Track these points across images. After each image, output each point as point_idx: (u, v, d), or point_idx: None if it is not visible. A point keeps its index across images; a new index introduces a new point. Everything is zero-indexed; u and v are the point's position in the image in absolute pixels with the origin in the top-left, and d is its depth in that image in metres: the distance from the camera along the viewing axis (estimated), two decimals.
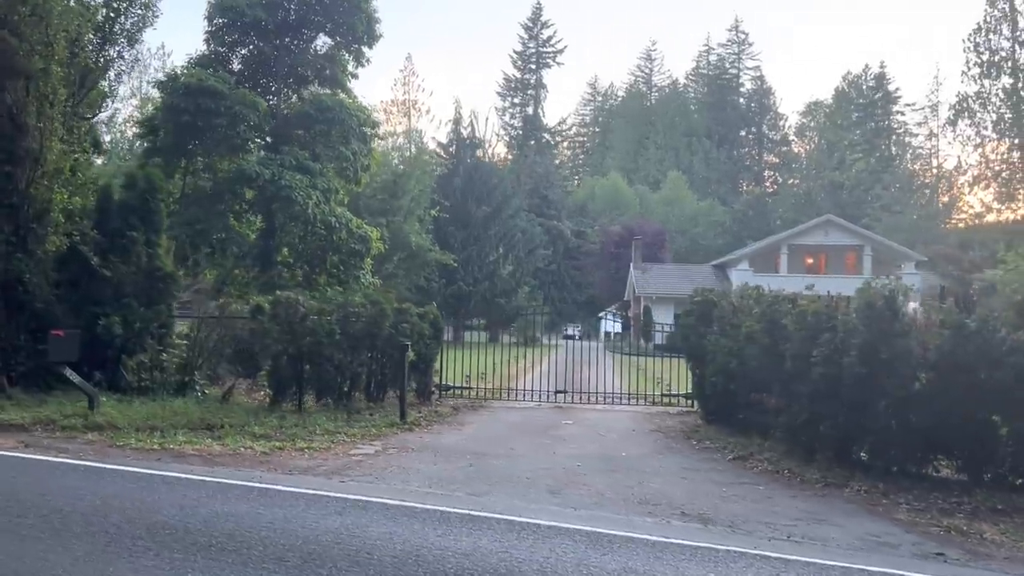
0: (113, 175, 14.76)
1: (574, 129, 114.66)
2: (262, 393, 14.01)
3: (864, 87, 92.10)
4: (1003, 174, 68.00)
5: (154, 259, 13.84)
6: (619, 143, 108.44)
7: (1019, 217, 66.02)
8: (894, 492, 8.37)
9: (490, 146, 51.28)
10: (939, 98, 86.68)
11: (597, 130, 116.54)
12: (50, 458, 8.81)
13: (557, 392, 16.37)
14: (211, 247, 23.33)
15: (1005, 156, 67.84)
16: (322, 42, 26.18)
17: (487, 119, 78.95)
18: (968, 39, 70.29)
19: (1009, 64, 67.01)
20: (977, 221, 69.63)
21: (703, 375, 13.32)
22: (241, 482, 7.76)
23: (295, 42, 25.44)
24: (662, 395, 16.17)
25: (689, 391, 15.83)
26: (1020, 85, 66.27)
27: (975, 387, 8.03)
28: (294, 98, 26.14)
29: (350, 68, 25.79)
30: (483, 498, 7.69)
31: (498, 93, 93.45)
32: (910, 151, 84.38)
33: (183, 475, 8.04)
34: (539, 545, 5.77)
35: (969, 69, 69.30)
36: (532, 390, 16.64)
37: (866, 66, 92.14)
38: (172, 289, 13.83)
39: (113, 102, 21.11)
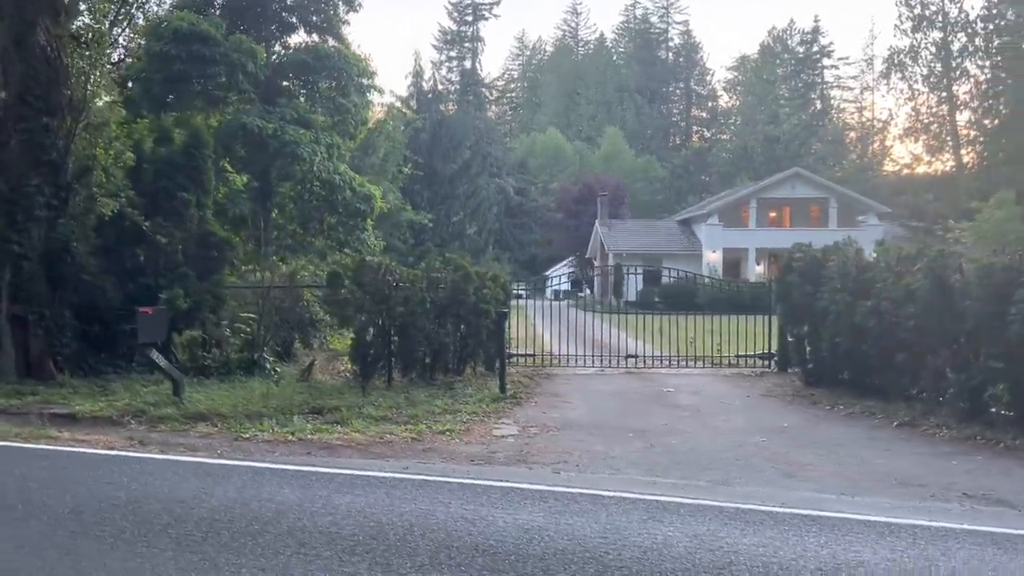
0: (144, 130, 12.94)
1: (502, 84, 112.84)
2: (341, 368, 12.78)
3: (789, 42, 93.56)
4: (932, 127, 70.60)
5: (205, 223, 12.34)
6: (549, 99, 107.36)
7: (947, 168, 68.87)
8: None
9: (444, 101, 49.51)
10: (874, 52, 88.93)
11: (526, 85, 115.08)
12: (187, 458, 7.54)
13: (628, 357, 15.62)
14: None
15: (934, 109, 70.36)
16: None
17: (438, 72, 76.34)
18: None
19: (939, 19, 69.23)
20: (908, 171, 72.36)
21: (810, 336, 12.76)
22: (438, 477, 6.72)
23: None
24: (736, 356, 15.60)
25: (765, 351, 15.39)
26: (949, 39, 68.61)
27: None
28: (277, 47, 24.17)
29: (341, 14, 23.94)
30: (724, 487, 6.87)
31: (434, 46, 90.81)
32: (844, 105, 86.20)
33: (363, 472, 6.96)
34: (902, 545, 4.99)
35: (901, 23, 71.57)
36: (583, 355, 15.95)
37: (791, 21, 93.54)
38: (228, 256, 12.37)
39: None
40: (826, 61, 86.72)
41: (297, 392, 10.73)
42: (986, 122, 64.85)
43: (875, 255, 11.85)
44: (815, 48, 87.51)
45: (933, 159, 71.09)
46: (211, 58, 19.31)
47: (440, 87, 41.94)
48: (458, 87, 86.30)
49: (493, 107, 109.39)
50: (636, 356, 15.67)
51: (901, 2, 70.88)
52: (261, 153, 20.65)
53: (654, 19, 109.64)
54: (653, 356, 15.94)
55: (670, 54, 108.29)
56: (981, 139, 64.77)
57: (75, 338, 11.27)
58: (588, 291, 43.85)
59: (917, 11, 69.99)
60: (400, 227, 35.65)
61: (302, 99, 22.86)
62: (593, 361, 15.79)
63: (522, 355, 15.68)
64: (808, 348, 13.10)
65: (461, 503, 5.77)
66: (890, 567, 4.55)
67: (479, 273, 13.20)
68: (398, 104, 43.82)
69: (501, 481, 6.62)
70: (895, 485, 7.02)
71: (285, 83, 23.52)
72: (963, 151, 66.95)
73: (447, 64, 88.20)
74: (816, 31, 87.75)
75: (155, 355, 9.71)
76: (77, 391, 10.67)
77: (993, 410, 9.67)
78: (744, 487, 6.86)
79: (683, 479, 7.11)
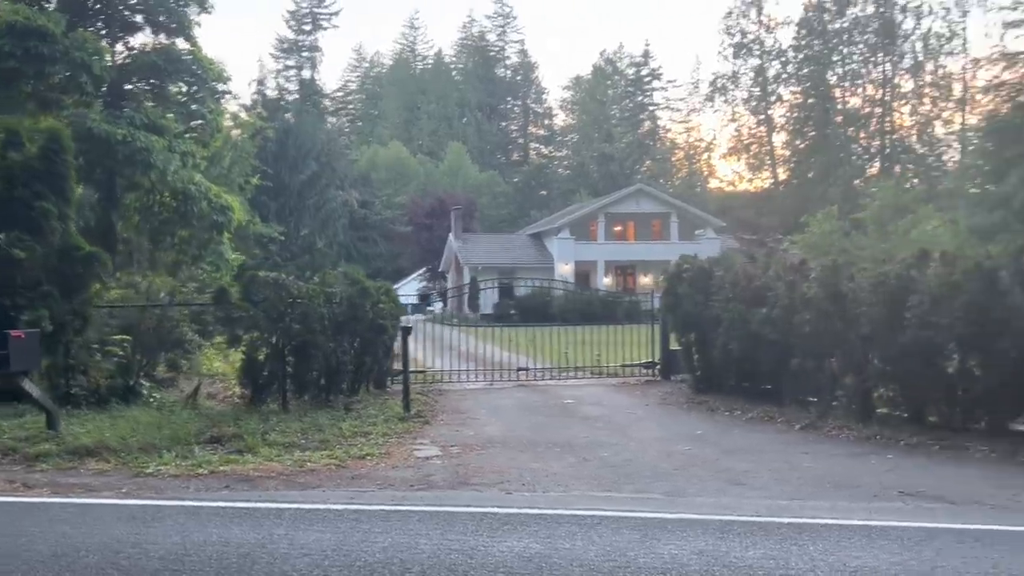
0: None
1: (340, 95, 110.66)
2: (227, 392, 11.82)
3: (620, 65, 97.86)
4: (752, 147, 75.96)
5: (68, 236, 11.07)
6: (390, 112, 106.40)
7: (767, 185, 74.24)
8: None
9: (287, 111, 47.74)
10: (699, 76, 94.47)
11: (365, 97, 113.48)
12: (91, 500, 6.65)
13: (519, 370, 15.50)
14: None
15: (754, 131, 75.74)
16: None
17: (278, 81, 73.38)
18: (722, 22, 77.56)
19: (757, 47, 74.67)
20: (731, 188, 77.41)
21: (699, 344, 13.15)
22: (395, 506, 6.28)
23: None
24: (622, 365, 15.86)
25: (648, 360, 15.73)
26: (766, 66, 74.14)
27: None
28: (120, 47, 22.34)
29: (192, 14, 22.43)
30: (683, 499, 6.86)
31: (272, 55, 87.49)
32: (672, 125, 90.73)
33: (309, 505, 6.35)
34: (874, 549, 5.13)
35: (723, 50, 76.57)
36: (470, 370, 15.72)
37: (621, 44, 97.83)
38: (95, 272, 11.14)
39: None
40: (656, 84, 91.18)
41: (187, 420, 9.79)
42: (798, 142, 70.59)
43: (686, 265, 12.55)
44: (645, 71, 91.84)
45: (754, 176, 76.66)
46: (50, 56, 17.52)
47: (276, 96, 40.33)
48: (297, 97, 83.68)
49: (331, 119, 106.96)
50: (527, 369, 15.60)
51: (723, 30, 76.10)
52: (107, 161, 18.94)
53: (491, 36, 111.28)
54: (542, 368, 15.91)
55: (508, 72, 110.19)
56: (794, 159, 70.38)
57: None
58: (441, 305, 43.62)
59: (737, 39, 75.25)
60: (248, 240, 33.89)
61: (150, 103, 21.22)
62: (480, 375, 15.57)
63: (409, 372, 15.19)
64: (696, 356, 13.50)
65: (440, 533, 5.38)
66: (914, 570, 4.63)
67: (376, 287, 12.66)
68: (243, 113, 41.82)
69: (463, 507, 6.26)
70: (834, 487, 7.27)
71: (130, 86, 21.78)
72: (779, 169, 72.51)
73: (284, 74, 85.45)
74: (646, 55, 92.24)
75: (27, 384, 8.53)
76: None
77: (884, 411, 10.33)
78: (702, 498, 6.87)
79: (638, 492, 7.03)
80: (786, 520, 5.79)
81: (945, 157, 63.08)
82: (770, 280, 11.68)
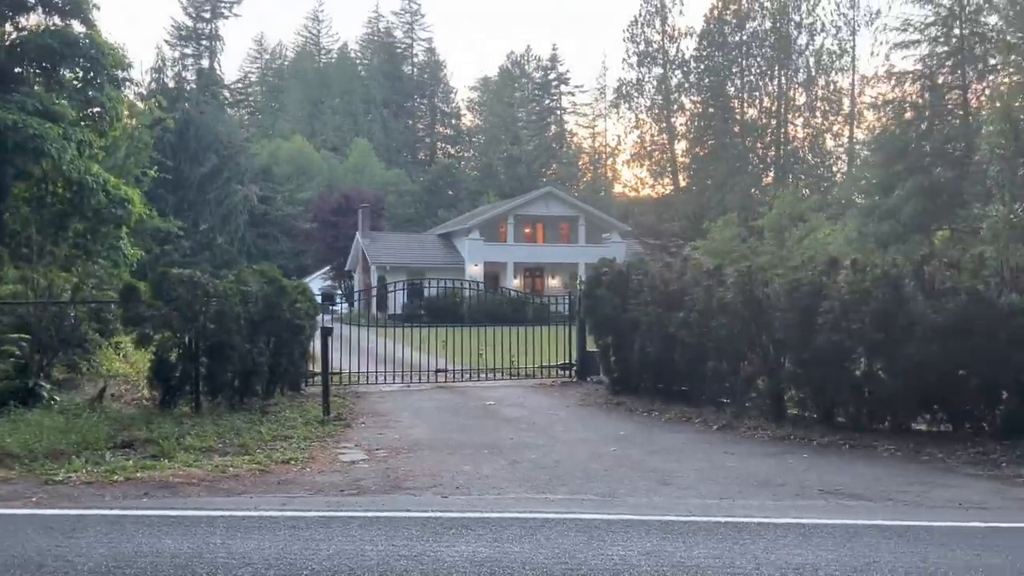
0: None
1: (240, 87, 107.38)
2: (135, 394, 11.25)
3: (527, 68, 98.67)
4: (655, 153, 77.88)
5: None
6: (292, 105, 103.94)
7: (668, 191, 76.25)
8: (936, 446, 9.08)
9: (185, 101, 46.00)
10: (606, 82, 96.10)
11: (266, 90, 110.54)
12: (9, 511, 6.21)
13: (437, 372, 15.37)
14: None
15: (656, 138, 77.67)
16: None
17: (176, 70, 70.30)
18: (627, 30, 79.24)
19: (660, 56, 76.57)
20: (635, 193, 79.21)
21: (617, 346, 13.35)
22: (330, 512, 6.15)
23: None
24: (540, 367, 15.94)
25: (565, 362, 15.88)
26: (668, 75, 76.12)
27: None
28: (8, 27, 20.95)
29: None
30: (617, 499, 6.95)
31: (168, 42, 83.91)
32: (578, 129, 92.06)
33: (238, 512, 6.17)
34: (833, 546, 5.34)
35: (629, 57, 78.24)
36: (386, 371, 15.49)
37: (528, 48, 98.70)
38: None
39: None
40: (563, 88, 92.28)
41: (95, 424, 9.28)
42: (698, 150, 72.80)
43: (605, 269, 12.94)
44: (552, 75, 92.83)
45: (656, 183, 78.64)
46: None
47: (174, 85, 38.80)
48: (195, 87, 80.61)
49: (231, 110, 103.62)
50: (445, 371, 15.48)
51: (628, 38, 77.84)
52: None
53: (398, 33, 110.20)
54: (459, 370, 15.81)
55: (415, 69, 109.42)
56: (694, 166, 72.54)
57: None
58: (347, 304, 42.80)
59: (641, 48, 77.07)
60: (144, 235, 32.40)
61: (41, 88, 20.01)
62: (396, 377, 15.36)
63: (317, 373, 14.81)
64: (614, 358, 13.70)
65: (386, 539, 5.28)
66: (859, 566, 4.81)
67: (293, 286, 12.32)
68: (139, 102, 39.91)
69: (403, 511, 6.18)
70: (759, 486, 7.49)
71: (20, 70, 20.49)
72: (680, 176, 74.56)
73: (182, 62, 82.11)
74: (554, 59, 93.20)
75: None
76: None
77: (795, 412, 10.75)
78: (635, 498, 6.97)
79: (573, 494, 7.08)
80: (722, 519, 5.94)
81: (835, 168, 66.42)
82: (687, 284, 11.97)
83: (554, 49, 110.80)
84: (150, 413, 10.34)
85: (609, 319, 13.41)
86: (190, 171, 37.42)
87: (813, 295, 10.00)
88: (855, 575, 4.68)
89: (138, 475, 7.51)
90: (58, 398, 10.49)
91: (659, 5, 74.86)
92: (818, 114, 67.49)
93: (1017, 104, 21.64)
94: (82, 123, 19.87)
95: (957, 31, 36.14)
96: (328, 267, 53.74)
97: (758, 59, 69.50)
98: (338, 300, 39.98)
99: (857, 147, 60.95)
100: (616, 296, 13.27)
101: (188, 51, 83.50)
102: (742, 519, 5.98)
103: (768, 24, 68.40)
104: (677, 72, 74.75)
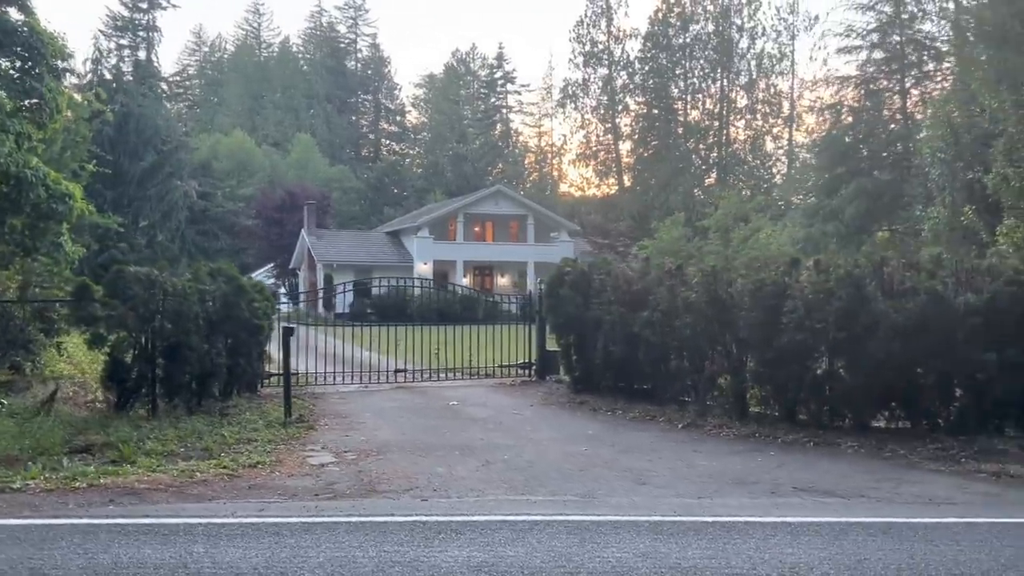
0: None
1: (178, 80, 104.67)
2: (90, 397, 10.83)
3: (473, 66, 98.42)
4: (600, 153, 78.51)
5: None
6: (232, 99, 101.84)
7: (612, 191, 76.95)
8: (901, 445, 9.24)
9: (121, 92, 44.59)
10: (552, 82, 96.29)
11: (204, 83, 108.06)
12: None
13: (396, 372, 15.18)
14: None
15: (602, 138, 78.28)
16: None
17: (114, 61, 67.86)
18: (573, 30, 79.66)
19: (606, 57, 77.18)
20: (580, 193, 79.76)
21: (579, 345, 13.37)
22: (312, 518, 5.97)
23: None
24: (499, 366, 15.86)
25: (524, 361, 15.83)
26: (614, 76, 76.78)
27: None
28: None
29: None
30: (598, 500, 6.94)
31: (103, 32, 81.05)
32: (524, 128, 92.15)
33: (217, 519, 5.94)
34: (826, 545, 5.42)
35: (575, 58, 78.65)
36: (343, 371, 15.21)
37: (473, 45, 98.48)
38: None
39: None
40: (509, 87, 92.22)
41: (49, 428, 8.91)
42: (642, 151, 73.60)
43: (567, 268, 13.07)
44: (499, 74, 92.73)
45: (601, 182, 79.26)
46: None
47: (112, 77, 37.58)
48: (132, 79, 78.15)
49: (168, 104, 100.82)
50: (404, 371, 15.31)
51: (574, 38, 78.21)
52: None
53: (341, 28, 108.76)
54: (418, 370, 15.65)
55: (359, 65, 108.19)
56: (639, 167, 73.31)
57: None
58: (292, 303, 42.06)
59: (587, 48, 77.53)
60: (83, 231, 31.31)
61: None
62: (354, 378, 15.11)
63: (275, 374, 14.50)
64: (576, 357, 13.72)
65: (376, 545, 5.15)
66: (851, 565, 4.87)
67: (252, 285, 12.04)
68: (76, 94, 38.53)
69: (387, 516, 6.04)
70: (733, 484, 7.57)
71: None
72: (625, 176, 75.28)
73: (118, 53, 79.53)
74: (500, 57, 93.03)
75: None
76: None
77: (757, 410, 10.91)
78: (615, 498, 6.96)
79: (554, 495, 7.03)
80: (709, 519, 5.97)
81: (775, 170, 67.85)
82: (650, 284, 12.05)
83: (500, 47, 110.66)
84: (105, 416, 9.97)
85: (572, 318, 13.41)
86: (129, 166, 36.26)
87: (777, 295, 10.15)
88: (848, 572, 4.73)
89: (101, 481, 7.21)
90: (5, 401, 10.05)
91: (604, 6, 75.46)
92: (759, 116, 68.82)
93: (954, 111, 22.41)
94: (20, 114, 19.04)
95: (896, 37, 37.26)
96: (271, 265, 52.74)
97: (701, 61, 70.54)
98: (283, 299, 39.01)
99: (796, 149, 62.52)
100: (579, 295, 13.28)
101: (124, 42, 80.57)
102: (728, 518, 6.01)
103: (711, 27, 69.47)
104: (622, 73, 75.44)
